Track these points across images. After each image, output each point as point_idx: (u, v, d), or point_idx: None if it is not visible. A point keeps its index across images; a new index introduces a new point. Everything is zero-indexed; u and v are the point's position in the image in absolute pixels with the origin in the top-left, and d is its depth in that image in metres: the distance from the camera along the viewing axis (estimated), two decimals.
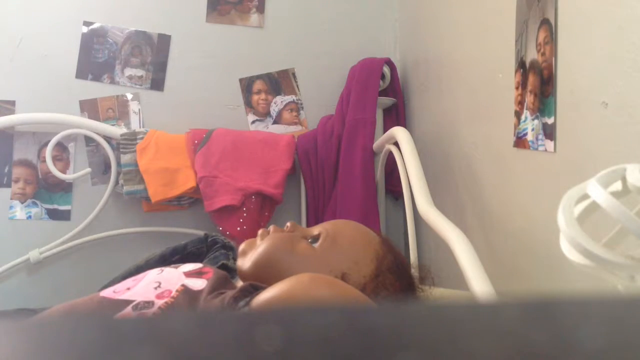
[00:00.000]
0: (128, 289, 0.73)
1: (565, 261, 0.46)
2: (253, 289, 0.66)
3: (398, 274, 0.78)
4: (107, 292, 0.74)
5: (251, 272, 0.76)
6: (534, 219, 0.93)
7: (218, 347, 0.16)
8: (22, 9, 1.64)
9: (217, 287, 0.72)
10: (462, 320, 0.18)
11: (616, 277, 0.44)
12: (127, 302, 0.69)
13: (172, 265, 0.80)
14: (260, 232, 0.81)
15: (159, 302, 0.68)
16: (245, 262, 0.78)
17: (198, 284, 0.72)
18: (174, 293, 0.70)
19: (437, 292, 0.93)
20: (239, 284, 0.77)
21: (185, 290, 0.70)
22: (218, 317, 0.19)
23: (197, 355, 0.16)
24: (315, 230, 0.81)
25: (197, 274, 0.76)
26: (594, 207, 0.46)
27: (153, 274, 0.75)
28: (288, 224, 0.83)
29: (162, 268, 0.78)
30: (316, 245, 0.78)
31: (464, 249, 0.81)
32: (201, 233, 1.06)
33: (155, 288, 0.71)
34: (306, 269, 0.71)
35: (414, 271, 0.85)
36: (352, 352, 0.16)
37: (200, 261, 0.92)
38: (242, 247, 0.80)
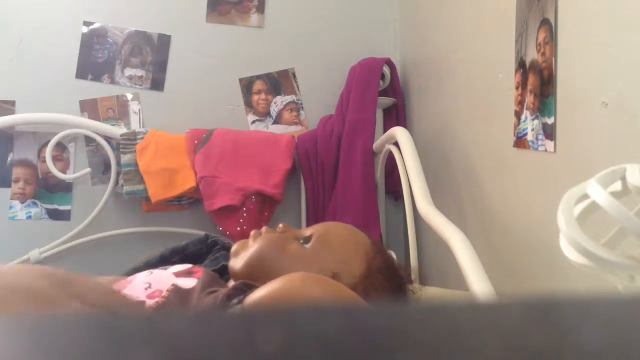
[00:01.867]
0: None
1: (565, 261, 0.46)
2: (246, 287, 0.67)
3: (387, 275, 0.79)
4: None
5: (243, 272, 0.77)
6: (534, 218, 0.93)
7: (217, 347, 0.16)
8: (22, 9, 1.64)
9: (208, 286, 0.72)
10: (462, 320, 0.18)
11: (616, 277, 0.44)
12: None
13: (161, 267, 0.81)
14: (252, 233, 0.82)
15: (150, 302, 0.69)
16: (237, 262, 0.78)
17: (188, 283, 0.73)
18: (164, 293, 0.70)
19: (432, 292, 0.93)
20: (232, 283, 0.77)
21: (176, 290, 0.71)
22: (217, 318, 0.19)
23: (196, 355, 0.16)
24: (307, 231, 0.82)
25: (187, 273, 0.76)
26: (593, 207, 0.46)
27: (142, 276, 0.76)
28: (280, 225, 0.84)
29: (151, 270, 0.79)
30: (307, 246, 0.79)
31: (464, 249, 0.81)
32: (201, 233, 1.06)
33: (146, 289, 0.72)
34: (297, 269, 0.72)
35: (404, 272, 0.86)
36: (352, 352, 0.16)
37: (201, 262, 0.92)
38: (234, 247, 0.81)
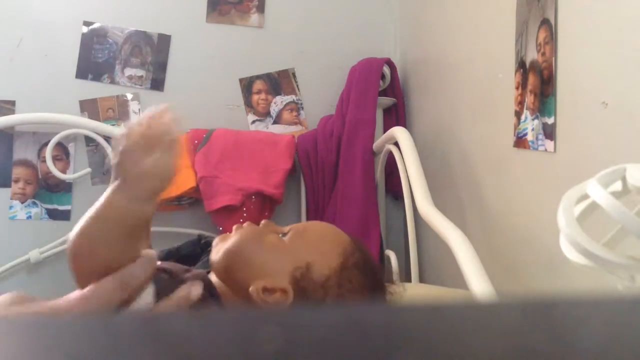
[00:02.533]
0: None
1: (566, 261, 0.46)
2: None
3: (365, 271, 0.81)
4: None
5: (220, 262, 0.78)
6: (534, 219, 0.93)
7: (217, 347, 0.16)
8: (22, 9, 1.64)
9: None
10: (462, 320, 0.18)
11: (616, 277, 0.44)
12: None
13: None
14: (235, 226, 0.84)
15: None
16: (217, 254, 0.80)
17: None
18: None
19: (416, 290, 0.94)
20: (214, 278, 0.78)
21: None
22: (217, 317, 0.19)
23: (196, 355, 0.15)
24: (287, 228, 0.84)
25: None
26: (594, 207, 0.46)
27: None
28: (263, 221, 0.85)
29: None
30: (285, 238, 0.81)
31: (464, 249, 0.81)
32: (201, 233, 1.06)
33: None
34: (272, 258, 0.75)
35: (385, 270, 0.87)
36: (352, 352, 0.16)
37: (194, 264, 0.93)
38: (215, 240, 0.83)
